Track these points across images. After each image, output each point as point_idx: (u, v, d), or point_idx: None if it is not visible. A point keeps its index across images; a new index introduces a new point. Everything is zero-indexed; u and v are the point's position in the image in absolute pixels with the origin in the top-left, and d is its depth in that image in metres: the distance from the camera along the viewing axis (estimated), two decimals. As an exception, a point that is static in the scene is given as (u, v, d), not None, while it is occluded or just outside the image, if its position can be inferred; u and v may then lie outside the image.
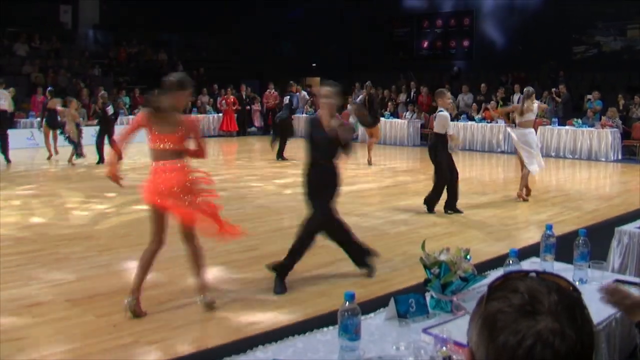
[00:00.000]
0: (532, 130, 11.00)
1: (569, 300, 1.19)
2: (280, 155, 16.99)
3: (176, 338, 4.91)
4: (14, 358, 4.50)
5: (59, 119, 15.98)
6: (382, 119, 22.20)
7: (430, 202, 9.77)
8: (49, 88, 19.33)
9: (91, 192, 11.45)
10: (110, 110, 15.97)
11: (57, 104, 16.25)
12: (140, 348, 4.71)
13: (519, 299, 1.17)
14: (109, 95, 22.53)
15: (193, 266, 5.58)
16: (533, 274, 1.25)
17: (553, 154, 18.43)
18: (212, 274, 6.52)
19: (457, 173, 9.76)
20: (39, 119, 19.79)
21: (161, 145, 5.21)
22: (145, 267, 5.36)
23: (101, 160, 15.47)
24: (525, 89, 11.30)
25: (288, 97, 18.10)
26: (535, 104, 11.05)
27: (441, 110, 9.60)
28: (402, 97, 24.42)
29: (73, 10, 29.04)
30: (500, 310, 1.17)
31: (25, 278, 6.32)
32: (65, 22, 29.04)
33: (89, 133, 16.57)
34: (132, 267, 6.56)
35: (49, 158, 16.46)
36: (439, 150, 9.48)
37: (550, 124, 18.89)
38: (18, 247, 7.33)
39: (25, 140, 19.12)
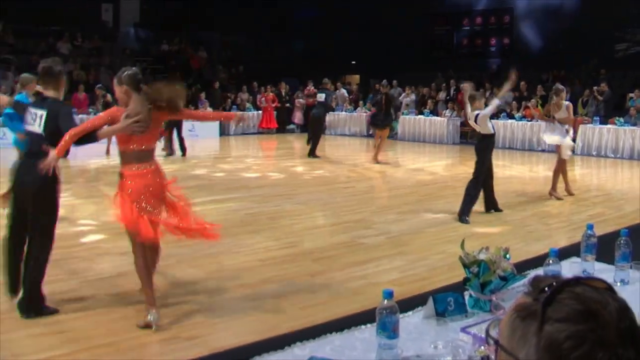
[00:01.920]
0: (557, 126, 10.96)
1: (630, 315, 1.17)
2: (312, 153, 17.07)
3: (215, 334, 4.95)
4: (56, 351, 4.59)
5: None
6: (421, 116, 22.25)
7: (465, 207, 9.19)
8: (98, 85, 19.49)
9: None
10: None
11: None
12: (179, 343, 4.76)
13: (583, 319, 1.14)
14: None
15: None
16: (575, 281, 1.22)
17: (594, 153, 18.19)
18: (251, 270, 6.57)
19: (492, 174, 9.67)
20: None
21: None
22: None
23: (184, 152, 17.41)
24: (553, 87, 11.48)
25: (323, 94, 18.06)
26: (565, 103, 11.14)
27: (478, 112, 9.53)
28: (442, 95, 24.31)
29: (114, 9, 29.53)
30: (566, 335, 1.13)
31: (67, 272, 6.41)
32: (106, 20, 29.55)
33: None
34: (171, 262, 6.62)
35: (107, 152, 16.42)
36: (487, 151, 9.38)
37: (592, 123, 18.65)
38: (59, 242, 7.45)
39: None
